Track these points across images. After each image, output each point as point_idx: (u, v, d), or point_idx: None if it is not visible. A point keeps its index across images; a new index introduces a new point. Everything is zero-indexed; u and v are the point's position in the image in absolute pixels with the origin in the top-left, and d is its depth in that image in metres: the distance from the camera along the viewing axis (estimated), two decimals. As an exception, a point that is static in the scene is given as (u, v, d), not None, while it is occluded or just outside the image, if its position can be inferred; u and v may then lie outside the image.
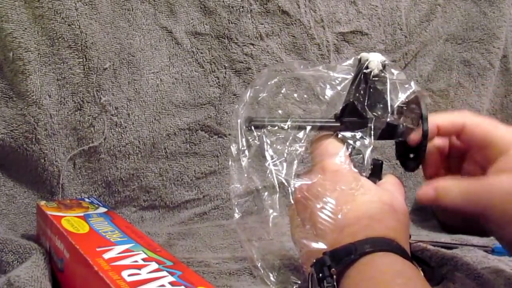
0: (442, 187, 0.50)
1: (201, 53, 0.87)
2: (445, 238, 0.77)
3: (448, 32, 1.03)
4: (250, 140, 0.49)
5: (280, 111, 0.52)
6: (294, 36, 0.92)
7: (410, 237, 0.50)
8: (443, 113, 0.54)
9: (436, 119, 0.53)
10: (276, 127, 0.49)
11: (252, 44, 0.89)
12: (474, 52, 1.03)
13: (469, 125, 0.52)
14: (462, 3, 1.03)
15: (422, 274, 0.45)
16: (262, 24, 0.89)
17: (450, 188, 0.49)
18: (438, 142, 0.54)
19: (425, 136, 0.51)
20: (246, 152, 0.49)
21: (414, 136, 0.52)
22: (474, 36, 1.03)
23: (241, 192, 0.51)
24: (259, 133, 0.49)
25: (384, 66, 0.51)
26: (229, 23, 0.87)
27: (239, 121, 0.49)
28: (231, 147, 0.50)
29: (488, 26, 1.03)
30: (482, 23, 1.03)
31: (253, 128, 0.49)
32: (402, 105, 0.52)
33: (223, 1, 0.87)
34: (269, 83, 0.52)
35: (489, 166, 0.50)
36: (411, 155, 0.54)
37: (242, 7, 0.88)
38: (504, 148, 0.49)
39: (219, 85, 0.88)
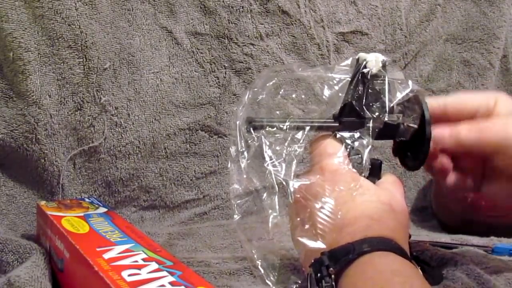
0: (457, 128, 0.51)
1: (201, 53, 0.87)
2: (445, 238, 0.77)
3: (448, 32, 1.03)
4: (249, 141, 0.49)
5: (277, 112, 0.52)
6: (294, 36, 0.92)
7: (410, 237, 0.50)
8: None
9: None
10: (275, 128, 0.49)
11: (252, 44, 0.89)
12: (474, 52, 1.03)
13: (449, 106, 0.53)
14: (462, 3, 1.03)
15: (421, 273, 0.45)
16: (262, 24, 0.89)
17: (465, 127, 0.51)
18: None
19: (428, 138, 0.51)
20: (245, 153, 0.49)
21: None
22: (474, 36, 1.03)
23: (240, 193, 0.51)
24: (258, 134, 0.49)
25: (384, 65, 0.51)
26: (229, 23, 0.87)
27: (238, 122, 0.49)
28: (230, 148, 0.50)
29: (488, 26, 1.03)
30: (482, 23, 1.03)
31: (251, 129, 0.49)
32: (402, 105, 0.52)
33: (223, 1, 0.87)
34: (267, 84, 0.52)
35: None
36: (413, 155, 0.54)
37: (242, 7, 0.88)
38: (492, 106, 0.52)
39: (219, 85, 0.88)
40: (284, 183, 0.48)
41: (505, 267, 0.58)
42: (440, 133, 0.52)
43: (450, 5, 1.03)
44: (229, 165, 0.50)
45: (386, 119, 0.51)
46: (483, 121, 0.51)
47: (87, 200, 0.70)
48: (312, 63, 0.92)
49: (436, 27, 1.01)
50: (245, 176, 0.49)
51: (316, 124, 0.51)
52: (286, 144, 0.49)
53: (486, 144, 0.50)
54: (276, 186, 0.48)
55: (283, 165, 0.49)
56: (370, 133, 0.51)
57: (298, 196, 0.48)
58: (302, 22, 0.91)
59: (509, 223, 0.79)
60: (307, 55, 0.92)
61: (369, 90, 0.51)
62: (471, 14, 1.03)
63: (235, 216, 0.51)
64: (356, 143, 0.51)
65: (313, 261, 0.44)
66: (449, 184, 0.54)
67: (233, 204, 0.51)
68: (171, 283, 0.43)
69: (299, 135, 0.50)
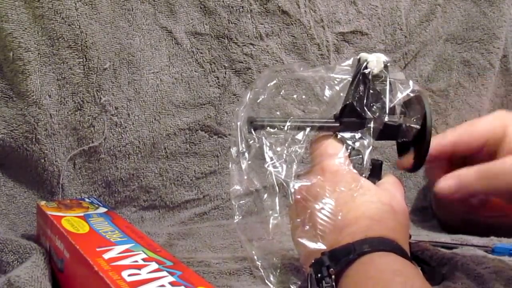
0: (465, 179, 0.50)
1: (201, 53, 0.87)
2: (445, 238, 0.77)
3: (448, 32, 1.03)
4: (250, 142, 0.49)
5: (277, 113, 0.52)
6: (294, 36, 0.92)
7: (410, 237, 0.50)
8: (439, 139, 0.54)
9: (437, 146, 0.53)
10: (276, 128, 0.50)
11: (252, 44, 0.89)
12: (474, 52, 1.03)
13: (458, 144, 0.53)
14: (462, 3, 1.03)
15: (422, 273, 0.45)
16: (262, 24, 0.89)
17: (471, 175, 0.50)
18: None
19: (429, 136, 0.51)
20: (246, 154, 0.49)
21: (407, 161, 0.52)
22: (474, 36, 1.03)
23: (241, 194, 0.51)
24: (259, 135, 0.49)
25: (386, 66, 0.51)
26: (229, 23, 0.87)
27: (238, 123, 0.49)
28: (231, 149, 0.50)
29: (488, 26, 1.03)
30: (482, 23, 1.03)
31: (252, 130, 0.49)
32: (404, 105, 0.52)
33: (223, 1, 0.87)
34: (268, 84, 0.52)
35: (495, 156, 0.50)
36: (414, 156, 0.54)
37: (242, 7, 0.88)
38: (501, 135, 0.50)
39: (219, 85, 0.88)
40: (284, 184, 0.49)
41: (505, 267, 0.58)
42: (447, 185, 0.51)
43: (450, 5, 1.03)
44: (230, 166, 0.50)
45: (386, 119, 0.51)
46: (490, 165, 0.50)
47: (87, 200, 0.70)
48: (312, 63, 0.92)
49: (436, 27, 1.01)
50: (245, 177, 0.49)
51: (317, 124, 0.51)
52: (286, 144, 0.49)
53: (495, 191, 0.50)
54: (277, 187, 0.48)
55: (284, 166, 0.49)
56: (371, 134, 0.51)
57: (299, 197, 0.48)
58: (302, 22, 0.91)
59: (509, 223, 0.79)
60: (307, 55, 0.92)
61: (370, 91, 0.51)
62: (471, 14, 1.03)
63: (236, 217, 0.51)
64: (357, 144, 0.51)
65: (313, 261, 0.44)
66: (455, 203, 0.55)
67: (234, 205, 0.51)
68: (171, 283, 0.43)
69: (300, 135, 0.50)
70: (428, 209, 0.94)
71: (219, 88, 0.88)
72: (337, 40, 0.95)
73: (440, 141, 0.53)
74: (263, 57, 0.89)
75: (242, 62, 0.88)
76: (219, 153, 0.88)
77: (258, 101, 0.51)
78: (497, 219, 0.80)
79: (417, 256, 0.54)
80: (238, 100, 0.88)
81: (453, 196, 0.51)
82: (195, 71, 0.86)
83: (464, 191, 0.50)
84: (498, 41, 1.03)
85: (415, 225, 0.89)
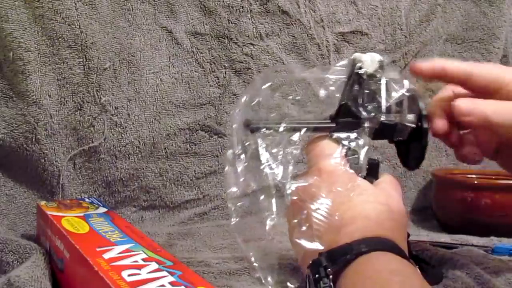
0: (481, 100, 0.48)
1: (201, 53, 0.87)
2: (445, 238, 0.77)
3: (448, 32, 1.03)
4: (246, 144, 0.49)
5: (272, 114, 0.52)
6: (294, 36, 0.92)
7: (409, 236, 0.50)
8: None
9: (444, 63, 0.52)
10: (272, 130, 0.49)
11: (252, 44, 0.89)
12: (474, 52, 1.03)
13: (476, 72, 0.51)
14: (462, 3, 1.03)
15: (420, 272, 0.45)
16: (262, 24, 0.89)
17: (488, 102, 0.48)
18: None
19: (425, 135, 0.51)
20: (242, 156, 0.49)
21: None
22: (474, 36, 1.03)
23: (238, 196, 0.51)
24: (255, 137, 0.49)
25: (381, 65, 0.51)
26: (229, 23, 0.87)
27: (234, 126, 0.49)
28: (228, 152, 0.50)
29: (488, 26, 1.03)
30: (482, 23, 1.03)
31: (249, 132, 0.49)
32: (399, 104, 0.52)
33: (223, 1, 0.87)
34: (263, 87, 0.52)
35: None
36: (412, 154, 0.54)
37: (242, 7, 0.88)
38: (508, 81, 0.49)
39: (219, 85, 0.88)
40: (280, 185, 0.48)
41: (505, 267, 0.58)
42: (463, 103, 0.48)
43: (450, 5, 1.03)
44: (226, 168, 0.50)
45: (382, 119, 0.51)
46: (509, 101, 0.48)
47: (87, 200, 0.70)
48: (312, 63, 0.92)
49: (436, 27, 1.01)
50: (242, 179, 0.49)
51: (312, 125, 0.51)
52: (282, 146, 0.49)
53: (508, 126, 0.47)
54: (273, 188, 0.48)
55: (280, 167, 0.49)
56: (367, 133, 0.51)
57: (295, 198, 0.48)
58: (302, 22, 0.91)
59: (509, 223, 0.80)
60: (307, 55, 0.92)
61: (365, 91, 0.51)
62: (471, 14, 1.03)
63: (233, 219, 0.51)
64: (353, 144, 0.50)
65: (311, 262, 0.44)
66: (463, 156, 0.53)
67: (231, 208, 0.50)
68: (171, 283, 0.43)
69: (296, 136, 0.50)
70: (428, 209, 0.94)
71: (219, 88, 0.88)
72: (337, 40, 0.95)
73: (457, 64, 0.52)
74: (263, 57, 0.89)
75: (242, 62, 0.89)
76: (219, 153, 0.88)
77: (253, 103, 0.51)
78: (497, 219, 0.80)
79: (417, 255, 0.54)
80: (238, 100, 0.88)
81: (467, 117, 0.48)
82: (195, 71, 0.86)
83: (478, 114, 0.47)
84: (498, 41, 1.03)
85: (415, 225, 0.89)
